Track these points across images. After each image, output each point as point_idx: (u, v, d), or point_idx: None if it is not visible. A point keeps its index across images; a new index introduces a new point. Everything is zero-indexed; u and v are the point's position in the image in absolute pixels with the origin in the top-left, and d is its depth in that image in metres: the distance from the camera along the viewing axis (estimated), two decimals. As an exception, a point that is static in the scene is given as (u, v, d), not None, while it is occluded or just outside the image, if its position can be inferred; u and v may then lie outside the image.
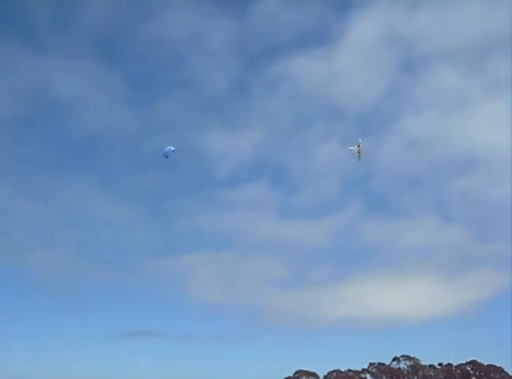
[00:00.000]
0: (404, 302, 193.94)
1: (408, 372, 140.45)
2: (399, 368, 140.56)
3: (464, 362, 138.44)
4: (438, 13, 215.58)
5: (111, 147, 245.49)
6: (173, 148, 33.77)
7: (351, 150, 36.72)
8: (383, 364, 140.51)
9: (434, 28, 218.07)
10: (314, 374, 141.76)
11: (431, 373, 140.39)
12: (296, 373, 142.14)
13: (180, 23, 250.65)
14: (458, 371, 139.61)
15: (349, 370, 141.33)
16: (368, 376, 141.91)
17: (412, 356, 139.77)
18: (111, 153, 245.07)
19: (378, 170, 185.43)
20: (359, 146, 36.09)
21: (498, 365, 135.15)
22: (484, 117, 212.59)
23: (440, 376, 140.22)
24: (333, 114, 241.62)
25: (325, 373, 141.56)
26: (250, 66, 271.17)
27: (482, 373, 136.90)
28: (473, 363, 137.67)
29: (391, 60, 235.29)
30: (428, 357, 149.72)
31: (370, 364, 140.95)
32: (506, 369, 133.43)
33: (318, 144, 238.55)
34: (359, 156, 36.51)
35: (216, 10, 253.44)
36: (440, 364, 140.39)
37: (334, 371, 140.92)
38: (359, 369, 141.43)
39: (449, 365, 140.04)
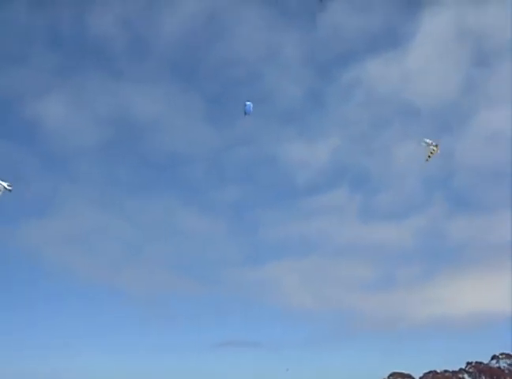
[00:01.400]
0: (497, 298, 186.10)
1: (508, 371, 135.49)
2: (499, 367, 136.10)
3: None
4: (508, 3, 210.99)
5: (193, 163, 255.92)
6: (249, 103, 35.43)
7: (426, 143, 35.98)
8: (481, 363, 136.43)
9: (505, 20, 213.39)
10: (409, 376, 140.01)
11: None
12: (391, 375, 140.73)
13: (251, 39, 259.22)
14: None
15: (445, 371, 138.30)
16: (466, 376, 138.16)
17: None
18: (194, 169, 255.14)
19: (459, 167, 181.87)
20: (436, 146, 35.41)
21: None
22: None
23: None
24: (409, 114, 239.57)
25: (421, 375, 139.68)
26: (322, 75, 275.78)
27: None
28: None
29: (464, 55, 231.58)
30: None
31: (468, 363, 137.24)
32: None
33: (395, 146, 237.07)
34: (429, 156, 35.72)
35: (285, 23, 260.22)
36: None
37: (430, 372, 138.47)
38: (457, 370, 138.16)
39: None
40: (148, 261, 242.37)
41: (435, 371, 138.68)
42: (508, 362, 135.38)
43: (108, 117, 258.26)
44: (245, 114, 37.12)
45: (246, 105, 37.38)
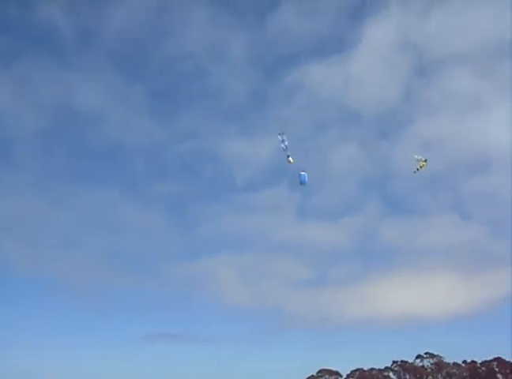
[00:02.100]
0: (426, 300, 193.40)
1: (431, 370, 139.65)
2: (422, 366, 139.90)
3: (489, 359, 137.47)
4: (450, 17, 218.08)
5: (135, 156, 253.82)
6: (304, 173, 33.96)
7: (416, 159, 36.70)
8: (406, 362, 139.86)
9: (446, 32, 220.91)
10: (336, 373, 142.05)
11: (455, 370, 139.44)
12: (319, 372, 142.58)
13: (200, 36, 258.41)
14: (483, 368, 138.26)
15: (372, 369, 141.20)
16: (391, 374, 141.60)
17: (436, 354, 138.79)
18: (135, 162, 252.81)
19: (395, 172, 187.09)
20: (425, 161, 36.03)
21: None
22: (498, 118, 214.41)
23: (464, 373, 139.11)
24: (349, 118, 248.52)
25: (348, 372, 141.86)
26: (267, 76, 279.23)
27: (507, 371, 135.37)
28: (498, 360, 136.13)
29: (405, 64, 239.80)
30: (452, 354, 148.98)
31: (394, 362, 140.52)
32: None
33: (335, 148, 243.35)
34: (418, 169, 36.54)
35: (233, 22, 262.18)
36: (464, 361, 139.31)
37: (357, 370, 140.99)
38: (382, 368, 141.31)
39: (474, 362, 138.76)
40: (84, 252, 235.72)
41: (362, 369, 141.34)
42: (432, 361, 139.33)
43: (51, 105, 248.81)
44: (300, 183, 35.64)
45: (301, 175, 35.79)
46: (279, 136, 42.73)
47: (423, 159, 37.03)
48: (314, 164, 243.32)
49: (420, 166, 36.80)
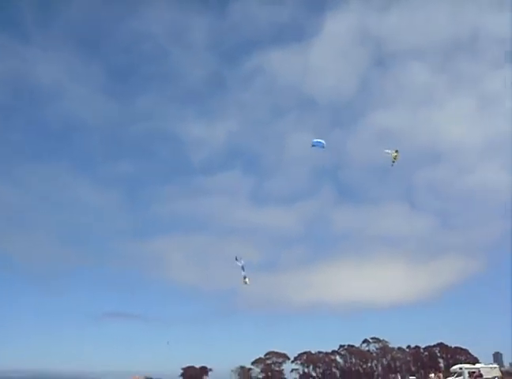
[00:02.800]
0: (374, 287, 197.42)
1: (377, 354, 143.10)
2: (368, 350, 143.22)
3: (431, 344, 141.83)
4: (408, 12, 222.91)
5: (90, 134, 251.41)
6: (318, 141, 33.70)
7: (387, 153, 37.24)
8: (353, 346, 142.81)
9: (404, 27, 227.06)
10: (284, 355, 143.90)
11: (400, 355, 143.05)
12: (267, 354, 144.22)
13: (161, 18, 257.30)
14: (426, 353, 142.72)
15: (319, 352, 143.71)
16: (338, 357, 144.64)
17: (381, 339, 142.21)
18: (90, 140, 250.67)
19: (349, 160, 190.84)
20: (397, 152, 36.60)
21: (464, 347, 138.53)
22: (450, 112, 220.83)
23: (408, 358, 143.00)
24: (307, 106, 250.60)
25: (296, 355, 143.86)
26: (227, 60, 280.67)
27: (449, 355, 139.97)
28: (440, 346, 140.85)
29: (363, 56, 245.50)
30: (397, 339, 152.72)
31: (341, 346, 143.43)
32: (471, 351, 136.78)
33: (290, 134, 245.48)
34: (393, 161, 37.01)
35: (196, 6, 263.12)
36: (408, 346, 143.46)
37: (305, 353, 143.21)
38: (330, 351, 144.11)
39: (418, 347, 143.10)
40: (37, 230, 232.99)
41: (310, 352, 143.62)
42: (377, 345, 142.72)
43: (6, 79, 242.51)
44: (314, 145, 34.91)
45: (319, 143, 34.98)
46: (236, 261, 44.24)
47: (395, 150, 37.58)
48: (270, 149, 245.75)
49: (394, 158, 37.30)
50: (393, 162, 36.97)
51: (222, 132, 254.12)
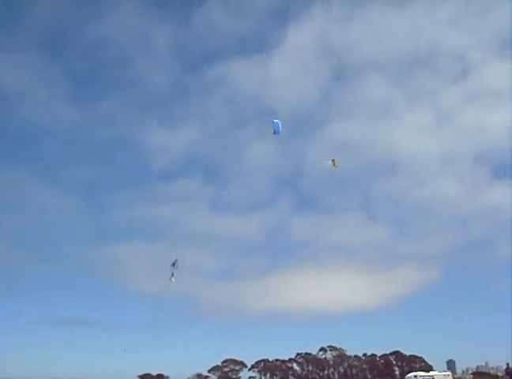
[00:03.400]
0: (331, 296, 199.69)
1: (334, 362, 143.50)
2: (325, 358, 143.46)
3: (387, 352, 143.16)
4: (369, 26, 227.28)
5: (50, 139, 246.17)
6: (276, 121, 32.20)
7: (329, 165, 37.00)
8: (310, 354, 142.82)
9: (365, 39, 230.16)
10: (241, 363, 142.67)
11: (356, 362, 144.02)
12: (225, 361, 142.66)
13: (125, 24, 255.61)
14: (382, 361, 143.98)
15: (277, 360, 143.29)
16: (295, 365, 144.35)
17: (338, 347, 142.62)
18: (50, 145, 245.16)
19: (308, 170, 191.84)
20: (333, 160, 36.39)
21: (419, 355, 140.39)
22: (408, 124, 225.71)
23: (364, 366, 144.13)
24: (267, 116, 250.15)
25: (253, 362, 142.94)
26: (190, 69, 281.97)
27: (404, 363, 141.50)
28: (396, 354, 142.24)
29: (324, 68, 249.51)
30: (354, 348, 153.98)
31: (298, 354, 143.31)
32: (426, 359, 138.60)
33: (251, 144, 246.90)
34: (336, 166, 36.92)
35: (160, 15, 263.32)
36: (365, 354, 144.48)
37: (262, 360, 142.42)
38: (287, 359, 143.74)
39: (374, 355, 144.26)
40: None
41: (267, 359, 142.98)
42: (334, 353, 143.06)
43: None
44: (274, 133, 33.21)
45: (274, 123, 33.34)
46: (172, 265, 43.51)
47: (332, 159, 37.49)
48: (230, 158, 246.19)
49: (334, 164, 37.21)
50: (336, 166, 37.30)
51: (183, 140, 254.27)
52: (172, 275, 43.18)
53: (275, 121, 34.42)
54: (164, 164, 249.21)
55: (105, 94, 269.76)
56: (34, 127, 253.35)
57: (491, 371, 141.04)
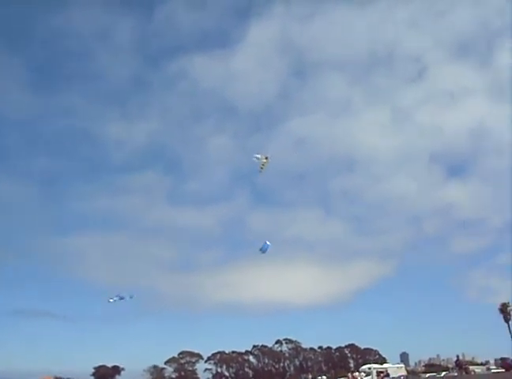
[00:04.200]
0: (287, 289, 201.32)
1: (289, 354, 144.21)
2: (281, 350, 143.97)
3: (343, 345, 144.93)
4: (329, 25, 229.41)
5: (7, 128, 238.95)
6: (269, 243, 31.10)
7: (257, 158, 34.73)
8: (266, 346, 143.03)
9: (325, 39, 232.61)
10: (198, 355, 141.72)
11: (312, 355, 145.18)
12: (181, 353, 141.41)
13: (87, 17, 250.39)
14: (337, 354, 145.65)
15: (233, 352, 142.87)
16: (251, 357, 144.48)
17: (294, 339, 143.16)
18: (7, 134, 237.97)
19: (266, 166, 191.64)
20: (266, 158, 34.19)
21: (374, 348, 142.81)
22: (366, 122, 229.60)
23: (320, 358, 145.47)
24: (227, 111, 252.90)
25: (209, 355, 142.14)
26: (151, 63, 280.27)
27: (359, 356, 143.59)
28: (351, 346, 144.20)
29: (284, 65, 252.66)
30: (309, 340, 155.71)
31: (254, 346, 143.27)
32: (380, 352, 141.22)
33: (210, 138, 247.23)
34: (262, 168, 34.63)
35: (121, 8, 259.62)
36: (320, 347, 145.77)
37: (218, 353, 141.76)
38: (243, 351, 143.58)
39: (329, 348, 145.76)
40: None
41: (224, 352, 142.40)
42: (289, 346, 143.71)
43: None
44: (260, 250, 31.87)
45: (265, 245, 32.07)
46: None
47: (265, 157, 35.45)
48: (190, 151, 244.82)
49: (263, 164, 35.23)
50: (262, 168, 35.48)
51: (143, 132, 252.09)
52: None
53: (267, 242, 33.98)
54: (124, 156, 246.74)
55: (65, 85, 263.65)
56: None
57: (442, 363, 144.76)
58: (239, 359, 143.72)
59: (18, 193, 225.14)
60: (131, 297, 39.50)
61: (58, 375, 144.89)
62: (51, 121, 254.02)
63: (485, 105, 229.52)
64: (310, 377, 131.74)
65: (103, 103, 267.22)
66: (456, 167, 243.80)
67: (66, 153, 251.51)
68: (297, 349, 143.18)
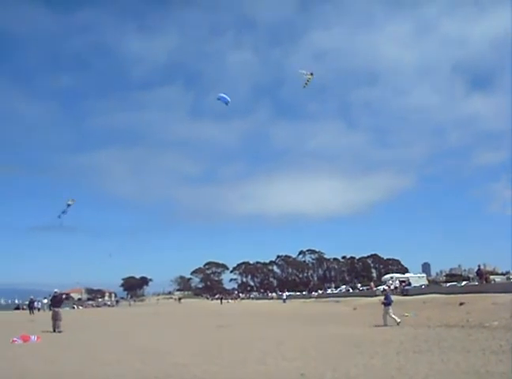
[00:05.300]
0: (310, 200, 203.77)
1: (313, 264, 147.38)
2: (304, 261, 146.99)
3: (365, 255, 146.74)
4: None
5: (27, 45, 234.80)
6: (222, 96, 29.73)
7: (302, 73, 33.85)
8: (290, 257, 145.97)
9: None
10: (223, 266, 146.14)
11: (335, 265, 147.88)
12: (207, 264, 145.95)
13: None
14: (360, 263, 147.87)
15: (257, 262, 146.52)
16: (275, 267, 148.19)
17: (317, 250, 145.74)
18: (26, 52, 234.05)
19: (287, 79, 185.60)
20: (311, 74, 33.42)
21: (396, 258, 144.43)
22: (388, 34, 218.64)
23: (343, 268, 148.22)
24: (246, 24, 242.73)
25: (235, 265, 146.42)
26: None
27: (381, 266, 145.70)
28: (374, 257, 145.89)
29: None
30: (332, 251, 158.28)
31: (278, 256, 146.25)
32: (402, 262, 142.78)
33: (230, 52, 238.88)
34: (306, 84, 33.91)
35: None
36: (344, 257, 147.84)
37: (243, 263, 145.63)
38: (267, 262, 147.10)
39: (352, 258, 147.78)
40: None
41: (248, 262, 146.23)
42: (313, 256, 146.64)
43: None
44: (219, 99, 30.06)
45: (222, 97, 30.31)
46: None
47: (310, 73, 34.38)
48: (210, 66, 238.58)
49: (308, 80, 34.19)
50: (306, 84, 34.33)
51: (162, 48, 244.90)
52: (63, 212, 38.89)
53: (225, 96, 31.73)
54: (143, 72, 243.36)
55: (83, 1, 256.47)
56: (10, 36, 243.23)
57: (463, 273, 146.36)
58: (264, 269, 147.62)
59: (38, 111, 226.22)
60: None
61: (89, 286, 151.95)
62: (69, 38, 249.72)
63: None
64: (333, 285, 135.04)
65: (122, 18, 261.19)
66: (480, 79, 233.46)
67: (85, 70, 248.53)
68: (320, 259, 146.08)
